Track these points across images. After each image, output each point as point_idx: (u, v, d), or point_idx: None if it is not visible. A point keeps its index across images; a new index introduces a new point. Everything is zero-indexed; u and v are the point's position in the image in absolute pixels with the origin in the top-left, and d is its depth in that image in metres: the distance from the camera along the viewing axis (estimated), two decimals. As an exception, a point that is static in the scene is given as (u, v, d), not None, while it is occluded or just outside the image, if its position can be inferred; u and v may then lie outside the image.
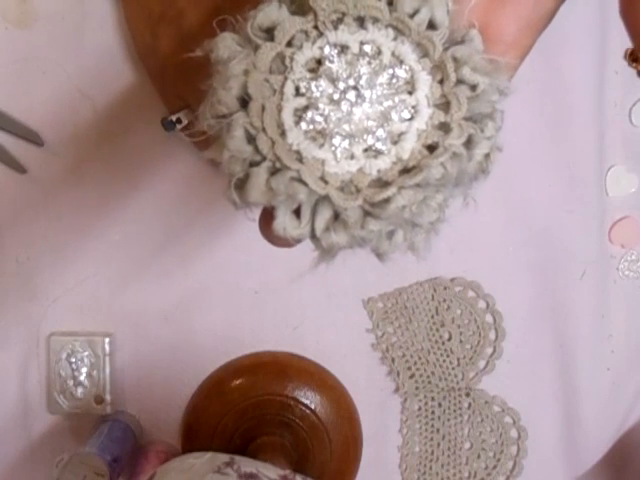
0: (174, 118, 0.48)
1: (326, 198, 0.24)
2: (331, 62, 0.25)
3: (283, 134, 0.24)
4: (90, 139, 0.53)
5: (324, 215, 0.25)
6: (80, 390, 0.55)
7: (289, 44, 0.25)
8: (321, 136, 0.25)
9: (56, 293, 0.55)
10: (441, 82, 0.25)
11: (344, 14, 0.25)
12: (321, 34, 0.25)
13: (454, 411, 0.58)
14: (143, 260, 0.55)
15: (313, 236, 0.25)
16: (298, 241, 0.25)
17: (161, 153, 0.53)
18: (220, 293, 0.55)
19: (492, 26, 0.26)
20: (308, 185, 0.24)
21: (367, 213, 0.24)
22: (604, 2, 0.53)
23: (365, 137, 0.25)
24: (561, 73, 0.54)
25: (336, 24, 0.25)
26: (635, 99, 0.55)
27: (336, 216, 0.25)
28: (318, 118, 0.24)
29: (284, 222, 0.24)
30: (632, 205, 0.57)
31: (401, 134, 0.25)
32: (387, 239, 0.25)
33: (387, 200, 0.24)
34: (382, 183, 0.25)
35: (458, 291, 0.57)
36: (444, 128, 0.25)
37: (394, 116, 0.25)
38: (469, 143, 0.25)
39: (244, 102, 0.25)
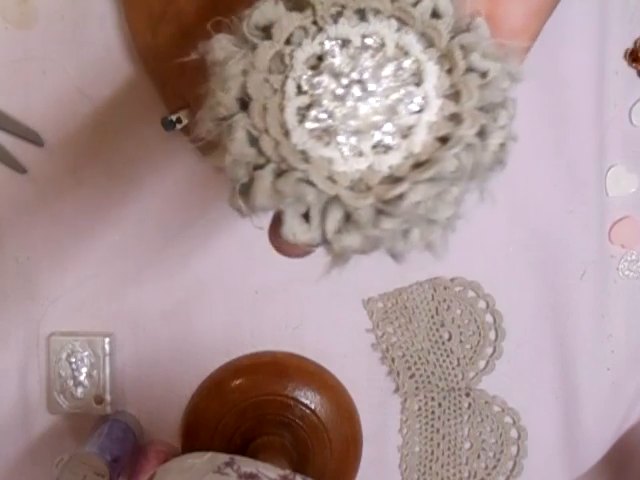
0: (174, 118, 0.48)
1: (336, 198, 0.23)
2: (333, 57, 0.24)
3: (287, 134, 0.23)
4: (90, 139, 0.53)
5: (335, 216, 0.23)
6: (80, 390, 0.55)
7: (287, 42, 0.24)
8: (327, 134, 0.24)
9: (56, 293, 0.55)
10: (449, 71, 0.24)
11: (343, 7, 0.24)
12: (320, 29, 0.24)
13: (454, 411, 0.58)
14: (143, 260, 0.55)
15: (324, 240, 0.24)
16: (309, 249, 0.24)
17: (161, 153, 0.53)
18: (220, 293, 0.55)
19: (497, 14, 0.25)
20: (316, 185, 0.23)
21: (380, 211, 0.23)
22: (604, 2, 0.53)
23: (373, 132, 0.24)
24: (561, 73, 0.54)
25: (336, 18, 0.24)
26: (635, 99, 0.55)
27: (347, 217, 0.23)
28: (322, 115, 0.24)
29: (293, 227, 0.23)
30: (632, 205, 0.57)
31: (411, 127, 0.24)
32: (402, 238, 0.24)
33: (400, 197, 0.23)
34: (394, 179, 0.24)
35: (458, 291, 0.57)
36: (455, 119, 0.24)
37: (402, 109, 0.24)
38: (482, 133, 0.24)
39: (244, 104, 0.24)
